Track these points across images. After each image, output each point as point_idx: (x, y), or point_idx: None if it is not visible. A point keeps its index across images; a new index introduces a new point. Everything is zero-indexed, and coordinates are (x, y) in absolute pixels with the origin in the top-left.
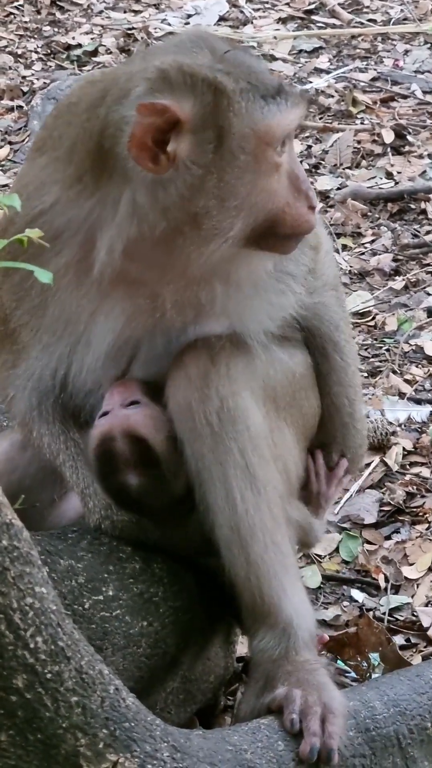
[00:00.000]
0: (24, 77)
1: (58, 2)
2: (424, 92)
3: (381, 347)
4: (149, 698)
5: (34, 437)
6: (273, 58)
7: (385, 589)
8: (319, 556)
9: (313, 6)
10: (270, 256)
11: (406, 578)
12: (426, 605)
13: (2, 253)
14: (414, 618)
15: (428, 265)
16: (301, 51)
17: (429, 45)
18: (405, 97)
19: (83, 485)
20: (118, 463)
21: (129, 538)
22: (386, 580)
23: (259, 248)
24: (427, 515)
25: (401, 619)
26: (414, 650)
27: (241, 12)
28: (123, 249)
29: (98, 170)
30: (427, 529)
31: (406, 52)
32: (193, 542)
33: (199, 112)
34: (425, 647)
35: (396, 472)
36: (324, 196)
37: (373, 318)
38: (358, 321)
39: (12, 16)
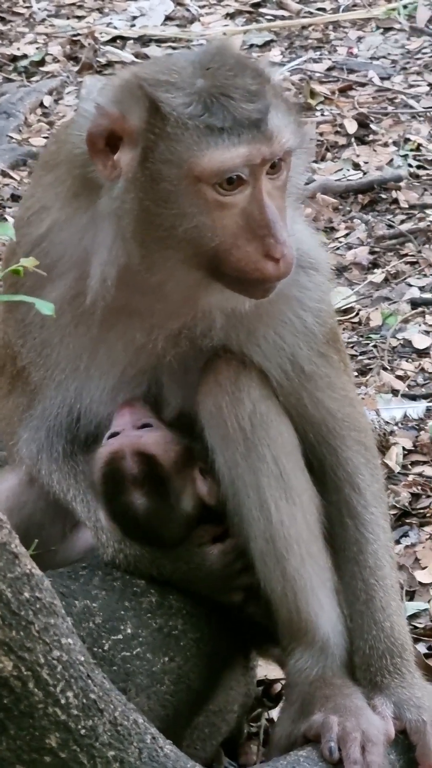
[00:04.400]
0: None
1: None
2: (382, 78)
3: (368, 344)
4: (175, 736)
5: (42, 475)
6: None
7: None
8: None
9: None
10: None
11: (420, 583)
12: None
13: (5, 287)
14: None
15: (406, 255)
16: (252, 46)
17: (382, 30)
18: (363, 84)
19: (95, 519)
20: (125, 481)
21: (143, 573)
22: (400, 586)
23: (224, 286)
24: None
25: (420, 626)
26: None
27: (187, 10)
28: (117, 277)
29: (90, 183)
30: None
31: (359, 38)
32: (211, 578)
33: (136, 128)
34: None
35: (398, 473)
36: None
37: (357, 314)
38: (341, 318)
39: None
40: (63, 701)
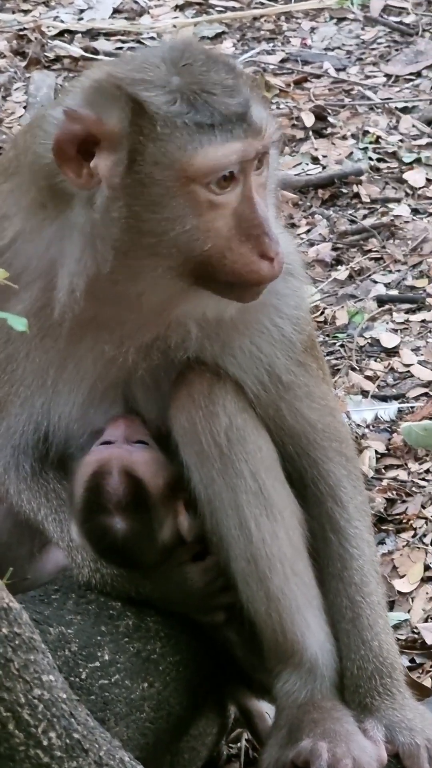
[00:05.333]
0: None
1: None
2: (337, 69)
3: (335, 343)
4: (156, 764)
5: (11, 494)
6: None
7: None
8: None
9: None
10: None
11: (399, 592)
12: (425, 620)
13: None
14: (415, 635)
15: (370, 251)
16: (203, 38)
17: (335, 20)
18: (318, 76)
19: (68, 539)
20: (107, 502)
21: (121, 593)
22: None
23: (211, 291)
24: (412, 521)
25: (402, 638)
26: (421, 671)
27: (136, 2)
28: (85, 288)
29: (57, 193)
30: (413, 536)
31: (313, 29)
32: (192, 597)
33: (118, 130)
34: None
35: (372, 478)
36: None
37: (322, 313)
38: None
39: None
40: (45, 742)
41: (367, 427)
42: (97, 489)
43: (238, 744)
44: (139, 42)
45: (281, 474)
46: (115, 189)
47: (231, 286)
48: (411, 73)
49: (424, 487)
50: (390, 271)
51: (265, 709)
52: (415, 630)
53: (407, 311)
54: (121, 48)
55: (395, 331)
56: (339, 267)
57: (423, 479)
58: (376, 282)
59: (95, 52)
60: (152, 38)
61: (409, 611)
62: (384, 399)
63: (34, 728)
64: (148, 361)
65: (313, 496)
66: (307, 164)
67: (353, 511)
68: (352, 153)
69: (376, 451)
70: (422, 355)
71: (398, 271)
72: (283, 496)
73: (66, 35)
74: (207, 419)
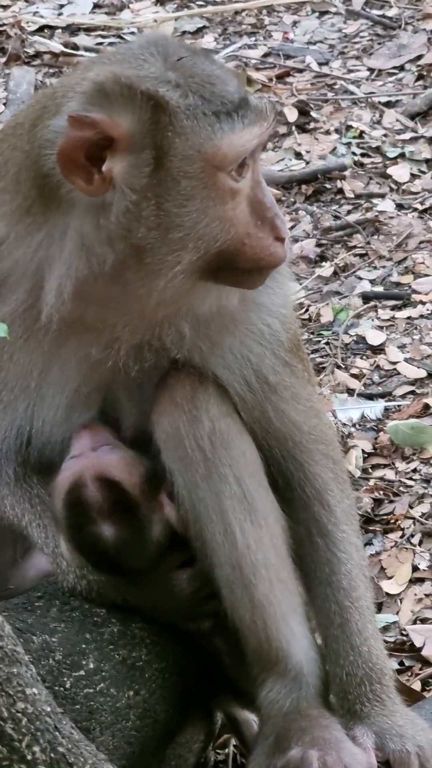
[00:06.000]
0: None
1: None
2: (320, 64)
3: (319, 341)
4: None
5: None
6: None
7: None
8: None
9: None
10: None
11: (387, 594)
12: (414, 622)
13: None
14: (404, 638)
15: (355, 247)
16: (184, 32)
17: (317, 14)
18: (300, 70)
19: (53, 545)
20: (90, 512)
21: (106, 600)
22: None
23: (219, 282)
24: (399, 521)
25: (390, 640)
26: (410, 674)
27: None
28: (74, 290)
29: (46, 199)
30: (401, 536)
31: (295, 23)
32: (180, 604)
33: (136, 130)
34: (421, 669)
35: (359, 477)
36: None
37: (306, 310)
38: None
39: None
40: (29, 757)
41: (354, 426)
42: (78, 502)
43: (226, 750)
44: (119, 37)
45: (265, 479)
46: (140, 189)
47: (247, 273)
48: (394, 67)
49: (411, 486)
50: (375, 268)
51: (252, 717)
52: (403, 632)
53: (393, 308)
54: (101, 43)
55: (381, 328)
56: (323, 263)
57: (410, 478)
58: (360, 278)
59: (75, 47)
60: (132, 33)
61: (397, 613)
62: (370, 397)
63: (18, 743)
64: (141, 362)
65: (299, 499)
66: (290, 159)
67: (340, 515)
68: (335, 148)
69: (363, 451)
70: (408, 352)
71: (383, 267)
72: (267, 501)
73: (46, 30)
74: (190, 424)
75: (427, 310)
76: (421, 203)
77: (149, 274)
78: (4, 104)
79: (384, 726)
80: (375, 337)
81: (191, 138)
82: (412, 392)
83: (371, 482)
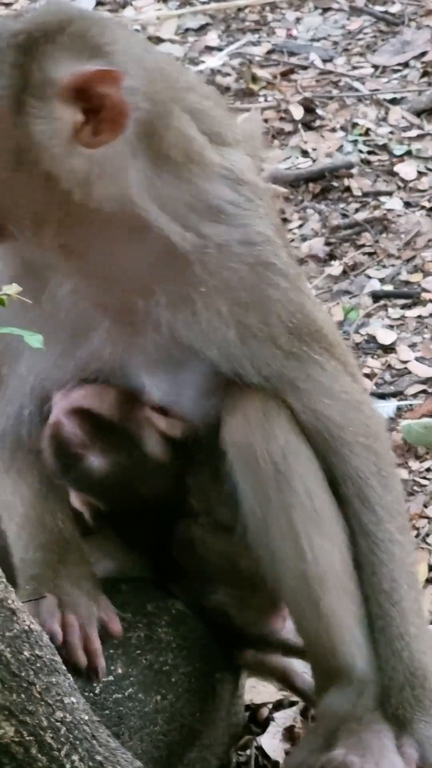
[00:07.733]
0: None
1: None
2: (324, 61)
3: None
4: None
5: None
6: (159, 40)
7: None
8: None
9: None
10: None
11: None
12: (431, 623)
13: None
14: None
15: (363, 245)
16: (187, 30)
17: (320, 11)
18: (305, 68)
19: None
20: (75, 448)
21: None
22: None
23: None
24: (414, 521)
25: None
26: None
27: None
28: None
29: None
30: (416, 536)
31: (298, 20)
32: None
33: None
34: None
35: None
36: None
37: None
38: None
39: None
40: (68, 766)
41: None
42: (61, 444)
43: (248, 751)
44: None
45: (329, 489)
46: None
47: None
48: (398, 64)
49: (425, 485)
50: (384, 266)
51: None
52: None
53: (403, 306)
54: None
55: (391, 327)
56: (333, 262)
57: (424, 478)
58: (370, 277)
59: None
60: (136, 30)
61: None
62: (382, 397)
63: (57, 751)
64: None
65: (342, 496)
66: (297, 157)
67: (382, 512)
68: (342, 146)
69: None
70: (419, 351)
71: (392, 265)
72: (333, 510)
73: None
74: (265, 439)
75: None
76: (429, 201)
77: None
78: None
79: (427, 734)
80: (386, 336)
81: None
82: (424, 391)
83: None
